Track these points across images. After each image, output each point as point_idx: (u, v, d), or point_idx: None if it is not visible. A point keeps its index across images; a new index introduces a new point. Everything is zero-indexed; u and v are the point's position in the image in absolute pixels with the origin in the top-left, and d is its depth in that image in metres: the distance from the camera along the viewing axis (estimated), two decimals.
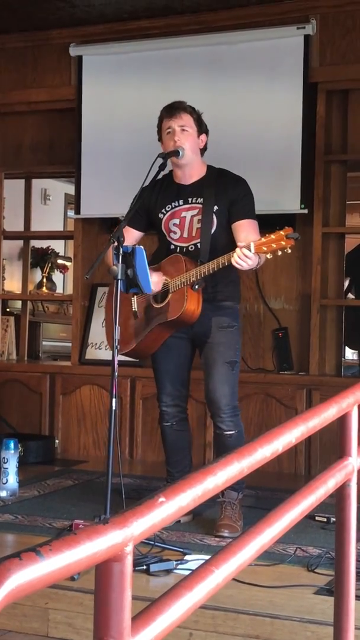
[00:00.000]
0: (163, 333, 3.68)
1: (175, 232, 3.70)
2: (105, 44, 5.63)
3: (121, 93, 5.57)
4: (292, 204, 5.09)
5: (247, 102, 5.23)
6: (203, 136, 3.70)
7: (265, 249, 3.28)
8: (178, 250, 3.67)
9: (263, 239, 3.31)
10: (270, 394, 5.12)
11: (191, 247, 3.65)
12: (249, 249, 3.31)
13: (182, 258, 3.57)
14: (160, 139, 3.70)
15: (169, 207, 3.71)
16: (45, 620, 2.80)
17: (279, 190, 5.12)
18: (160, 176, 3.65)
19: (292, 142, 5.12)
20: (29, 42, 5.91)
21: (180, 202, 3.70)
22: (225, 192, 3.64)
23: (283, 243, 3.26)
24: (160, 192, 3.73)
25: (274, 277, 5.39)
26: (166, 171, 3.67)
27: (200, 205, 3.64)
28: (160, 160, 3.56)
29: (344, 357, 5.45)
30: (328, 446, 4.91)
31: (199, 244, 3.61)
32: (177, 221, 3.69)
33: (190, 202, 3.68)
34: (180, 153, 3.59)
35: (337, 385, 4.93)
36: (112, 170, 5.55)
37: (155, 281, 3.57)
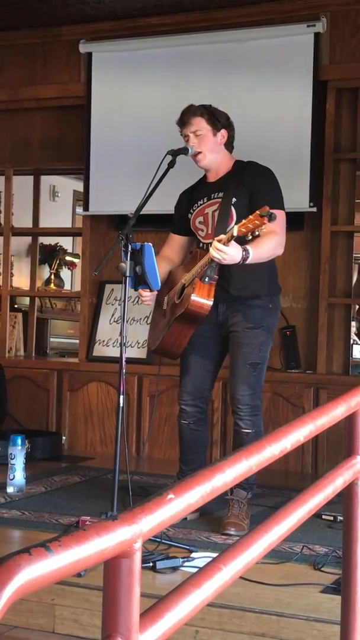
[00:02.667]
0: (183, 329, 3.63)
1: (202, 230, 3.71)
2: (115, 41, 5.63)
3: (130, 90, 5.57)
4: (300, 202, 5.08)
5: (257, 100, 5.22)
6: (223, 131, 3.67)
7: (244, 230, 3.18)
8: (205, 249, 3.63)
9: (243, 221, 3.20)
10: (278, 393, 5.12)
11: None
12: (224, 242, 3.24)
13: (197, 253, 3.60)
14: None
15: (195, 206, 3.74)
16: (52, 616, 2.81)
17: (287, 188, 5.04)
18: (170, 172, 3.64)
19: (301, 140, 5.11)
20: (39, 39, 5.92)
21: (205, 199, 3.71)
22: (244, 183, 3.60)
23: (257, 222, 3.15)
24: (191, 194, 3.77)
25: (282, 275, 5.34)
26: (177, 168, 3.65)
27: (219, 200, 3.64)
28: (169, 158, 3.57)
29: (352, 356, 5.44)
30: (335, 445, 4.90)
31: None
32: (201, 219, 3.71)
33: (212, 197, 3.69)
34: (190, 150, 3.60)
35: (344, 384, 4.92)
36: (121, 167, 5.55)
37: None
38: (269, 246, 3.41)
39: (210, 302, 3.50)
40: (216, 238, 3.30)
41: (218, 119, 3.66)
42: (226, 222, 3.56)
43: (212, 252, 3.27)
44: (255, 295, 3.62)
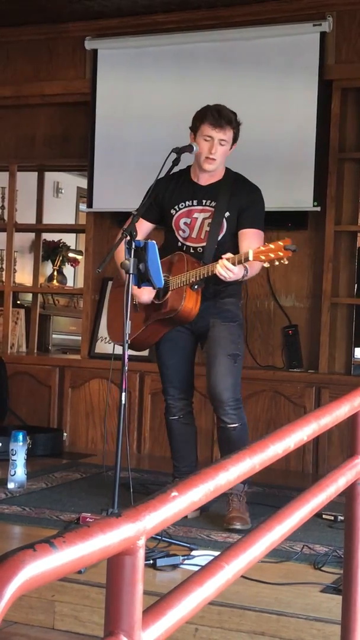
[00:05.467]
0: (160, 329, 3.74)
1: (184, 231, 3.72)
2: (121, 38, 5.62)
3: (135, 87, 5.56)
4: (304, 201, 5.08)
5: (262, 99, 5.21)
6: (234, 145, 3.68)
7: (263, 257, 3.31)
8: (184, 249, 3.70)
9: (262, 248, 3.33)
10: (279, 392, 5.11)
11: (199, 249, 3.68)
12: (234, 262, 3.35)
13: (184, 257, 3.61)
14: (193, 130, 3.65)
15: (182, 205, 3.72)
16: (52, 612, 2.81)
17: (291, 187, 5.11)
18: (175, 169, 3.63)
19: (306, 140, 5.10)
20: (44, 35, 5.91)
21: (195, 202, 3.71)
22: (239, 200, 3.65)
23: (280, 254, 3.28)
24: (175, 187, 3.73)
25: (285, 275, 5.38)
26: (183, 166, 3.65)
27: (212, 209, 3.66)
28: (174, 155, 3.56)
29: (354, 356, 5.44)
30: (336, 445, 4.90)
31: (204, 247, 3.65)
32: (188, 220, 3.71)
33: (204, 203, 3.69)
34: (195, 148, 3.59)
35: (346, 383, 4.92)
36: (125, 164, 5.54)
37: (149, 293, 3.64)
38: (259, 266, 3.49)
39: (197, 310, 3.59)
40: (225, 257, 3.38)
41: (238, 133, 3.67)
42: (217, 235, 3.64)
43: (220, 269, 3.35)
44: (228, 295, 3.71)
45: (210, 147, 3.58)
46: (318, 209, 5.08)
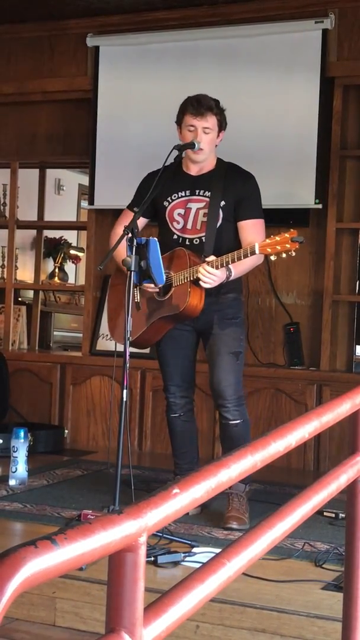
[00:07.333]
0: (165, 326, 3.71)
1: (178, 222, 3.69)
2: (122, 35, 5.61)
3: (137, 84, 5.56)
4: (306, 198, 5.08)
5: (263, 96, 5.20)
6: (222, 133, 3.66)
7: (269, 250, 3.31)
8: (180, 241, 3.67)
9: (268, 240, 3.33)
10: (281, 389, 5.11)
11: (196, 241, 3.65)
12: (214, 266, 3.38)
13: (185, 253, 3.57)
14: (178, 123, 3.65)
15: (175, 197, 3.70)
16: (53, 609, 2.81)
17: (293, 184, 5.10)
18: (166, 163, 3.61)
19: (307, 137, 5.09)
20: (46, 32, 5.90)
21: (187, 192, 3.69)
22: (234, 188, 3.63)
23: (287, 246, 3.30)
24: (167, 180, 3.71)
25: (286, 272, 5.38)
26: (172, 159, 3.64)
27: (207, 199, 3.63)
28: (175, 152, 3.56)
29: (355, 353, 5.43)
30: (337, 442, 4.90)
31: (204, 238, 3.62)
32: (182, 211, 3.68)
33: (197, 194, 3.67)
34: (196, 145, 3.58)
35: (347, 381, 4.92)
36: (127, 161, 5.54)
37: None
38: (252, 262, 3.50)
39: (202, 305, 3.55)
40: (207, 261, 3.41)
41: (224, 120, 3.65)
42: (215, 224, 3.61)
43: (202, 277, 3.39)
44: (230, 290, 3.68)
45: (194, 137, 3.57)
46: (320, 206, 5.08)
